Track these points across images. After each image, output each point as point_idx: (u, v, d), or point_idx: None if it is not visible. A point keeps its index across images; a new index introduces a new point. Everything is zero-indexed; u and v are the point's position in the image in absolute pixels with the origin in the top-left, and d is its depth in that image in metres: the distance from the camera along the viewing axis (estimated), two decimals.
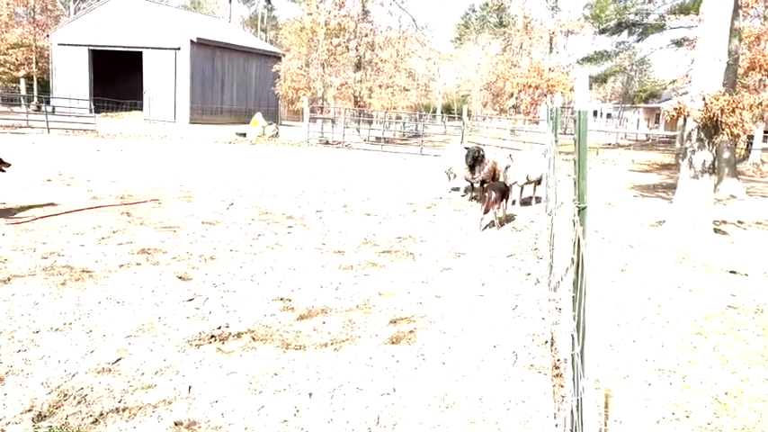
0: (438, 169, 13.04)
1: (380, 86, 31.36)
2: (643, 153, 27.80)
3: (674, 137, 29.45)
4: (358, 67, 31.05)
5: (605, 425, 3.69)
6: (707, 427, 3.77)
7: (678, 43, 23.58)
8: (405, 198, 11.95)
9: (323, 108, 31.81)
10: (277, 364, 4.28)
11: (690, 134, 9.58)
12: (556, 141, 7.72)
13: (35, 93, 38.42)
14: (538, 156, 12.06)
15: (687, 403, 4.03)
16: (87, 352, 4.30)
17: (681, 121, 25.04)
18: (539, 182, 11.70)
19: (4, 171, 8.54)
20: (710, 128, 9.09)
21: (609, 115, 47.10)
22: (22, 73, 39.52)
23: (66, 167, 13.41)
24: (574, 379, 2.54)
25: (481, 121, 39.47)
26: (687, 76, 19.89)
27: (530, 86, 32.52)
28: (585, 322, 2.61)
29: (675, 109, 9.30)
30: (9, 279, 5.66)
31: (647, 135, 39.99)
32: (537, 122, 31.28)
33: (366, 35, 30.72)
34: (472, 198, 12.04)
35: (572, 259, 2.52)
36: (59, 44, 34.55)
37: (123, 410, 3.59)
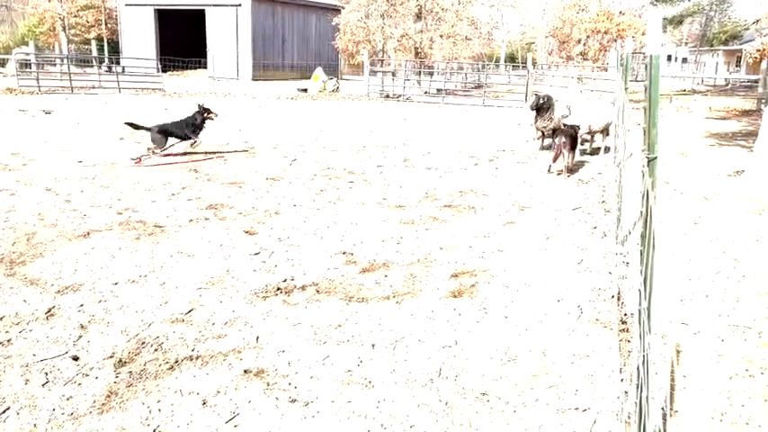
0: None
1: (441, 36, 30.62)
2: (721, 99, 26.20)
3: (756, 81, 27.54)
4: (418, 17, 30.34)
5: (673, 380, 3.61)
6: None
7: None
8: (466, 151, 11.77)
9: (383, 61, 31.41)
10: (340, 316, 4.37)
11: None
12: (626, 89, 7.36)
13: (106, 54, 39.67)
14: (602, 104, 11.57)
15: (763, 360, 3.87)
16: (162, 303, 4.52)
17: (764, 64, 23.39)
18: (605, 131, 11.28)
19: (212, 119, 10.13)
20: None
21: (684, 60, 44.48)
22: (92, 35, 40.89)
23: None
24: (641, 334, 2.48)
25: (547, 70, 38.06)
26: None
27: (598, 32, 31.05)
28: (653, 276, 2.53)
29: (759, 50, 8.71)
30: (88, 233, 5.99)
31: (726, 80, 37.56)
32: (606, 69, 29.92)
33: None
34: (543, 148, 11.74)
35: (641, 212, 2.42)
36: (126, 5, 35.40)
37: (196, 358, 3.77)
